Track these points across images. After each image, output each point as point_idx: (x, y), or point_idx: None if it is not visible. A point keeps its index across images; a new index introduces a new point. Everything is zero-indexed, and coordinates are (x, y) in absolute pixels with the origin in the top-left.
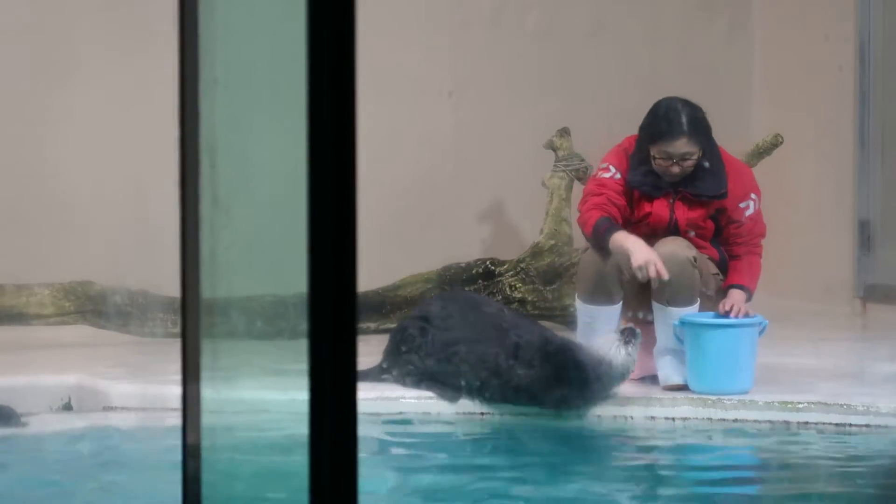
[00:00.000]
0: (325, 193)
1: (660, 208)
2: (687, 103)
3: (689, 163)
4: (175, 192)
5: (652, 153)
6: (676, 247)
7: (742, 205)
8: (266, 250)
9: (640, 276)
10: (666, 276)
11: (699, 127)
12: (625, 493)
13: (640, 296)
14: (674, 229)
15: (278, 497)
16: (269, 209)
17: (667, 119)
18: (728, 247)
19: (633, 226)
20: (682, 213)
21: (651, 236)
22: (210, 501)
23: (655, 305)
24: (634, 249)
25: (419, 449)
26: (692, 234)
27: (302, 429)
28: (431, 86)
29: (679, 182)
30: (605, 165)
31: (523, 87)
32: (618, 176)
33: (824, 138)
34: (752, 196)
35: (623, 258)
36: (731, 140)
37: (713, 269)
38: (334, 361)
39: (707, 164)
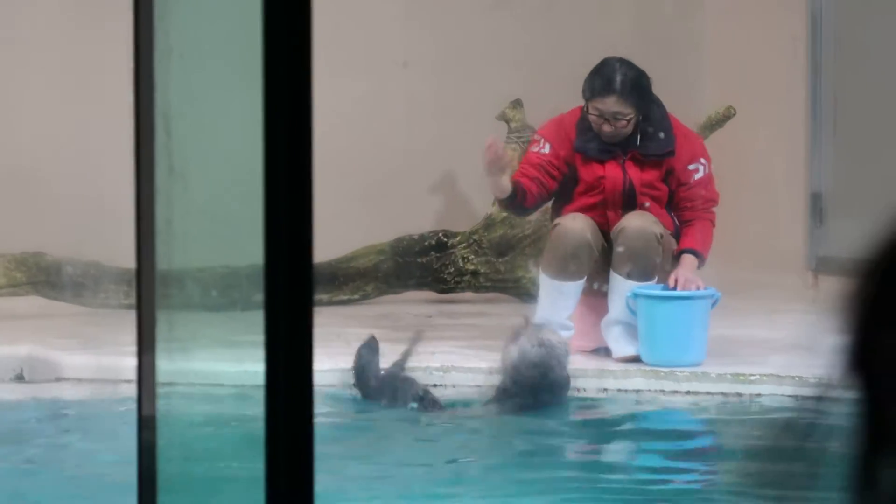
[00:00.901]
0: (281, 163)
1: (612, 171)
2: (627, 64)
3: (622, 123)
4: (129, 162)
5: (587, 110)
6: (644, 222)
7: (691, 167)
8: (222, 220)
9: (487, 160)
10: (501, 151)
11: (634, 88)
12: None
13: (602, 269)
14: (629, 191)
15: (234, 467)
16: (226, 178)
17: (602, 76)
18: (679, 212)
19: (587, 193)
20: (636, 174)
21: (610, 202)
22: (166, 472)
23: (613, 276)
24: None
25: (370, 421)
26: (647, 205)
27: (257, 400)
28: (386, 56)
29: (627, 144)
30: (536, 139)
31: (476, 59)
32: (546, 150)
33: (776, 110)
34: (702, 161)
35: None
36: (684, 112)
37: (674, 244)
38: (290, 332)
39: (651, 129)
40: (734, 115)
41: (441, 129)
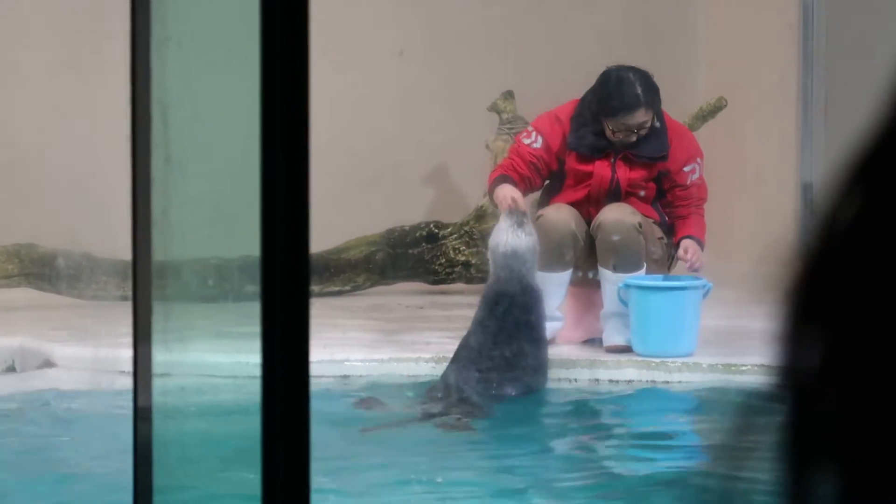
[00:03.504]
0: (279, 153)
1: (601, 168)
2: (637, 72)
3: (645, 130)
4: (125, 152)
5: (608, 126)
6: (621, 213)
7: (687, 168)
8: (219, 210)
9: (501, 209)
10: (523, 207)
11: (653, 94)
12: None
13: (590, 258)
14: (615, 190)
15: (230, 458)
16: (223, 168)
17: (622, 92)
18: (672, 209)
19: (574, 187)
20: (624, 174)
21: (594, 198)
22: (162, 463)
23: (602, 271)
24: (499, 189)
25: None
26: (642, 194)
27: (252, 391)
28: (381, 46)
29: (620, 144)
30: (529, 131)
31: (469, 50)
32: (537, 144)
33: (768, 101)
34: (697, 161)
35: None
36: (676, 103)
37: (658, 233)
38: (287, 323)
39: (648, 131)
40: (726, 105)
41: (434, 119)
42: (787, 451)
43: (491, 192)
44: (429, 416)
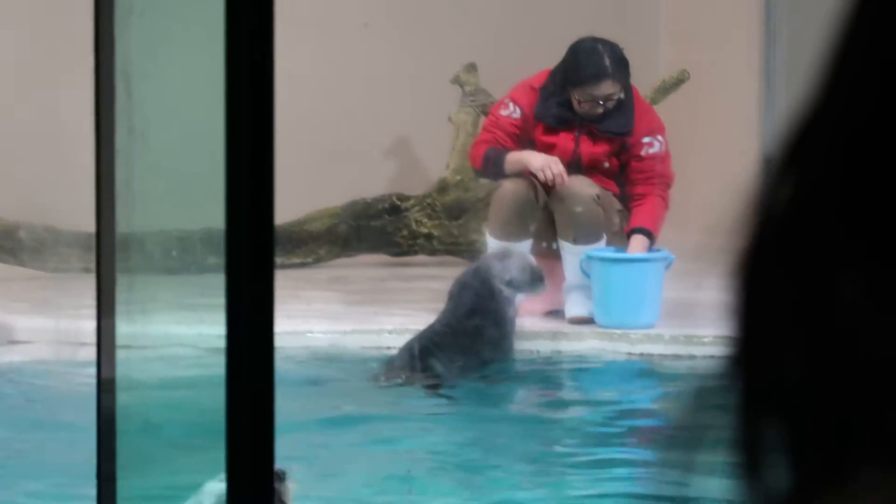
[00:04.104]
0: (244, 124)
1: (564, 141)
2: (607, 43)
3: (612, 102)
4: (89, 122)
5: (575, 96)
6: (579, 185)
7: (645, 139)
8: (183, 181)
9: (541, 177)
10: (566, 178)
11: (622, 66)
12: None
13: (549, 230)
14: (576, 164)
15: (195, 430)
16: (187, 139)
17: (590, 62)
18: (631, 186)
19: None
20: (587, 148)
21: None
22: (125, 435)
23: (562, 243)
24: (530, 156)
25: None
26: (605, 165)
27: (216, 363)
28: (345, 18)
29: (586, 116)
30: (506, 102)
31: (433, 22)
32: (516, 115)
33: (730, 73)
34: (658, 137)
35: (522, 168)
36: (638, 76)
37: (617, 205)
38: (252, 294)
39: (613, 106)
40: (688, 78)
41: (397, 91)
42: (738, 415)
43: (495, 162)
44: (393, 385)
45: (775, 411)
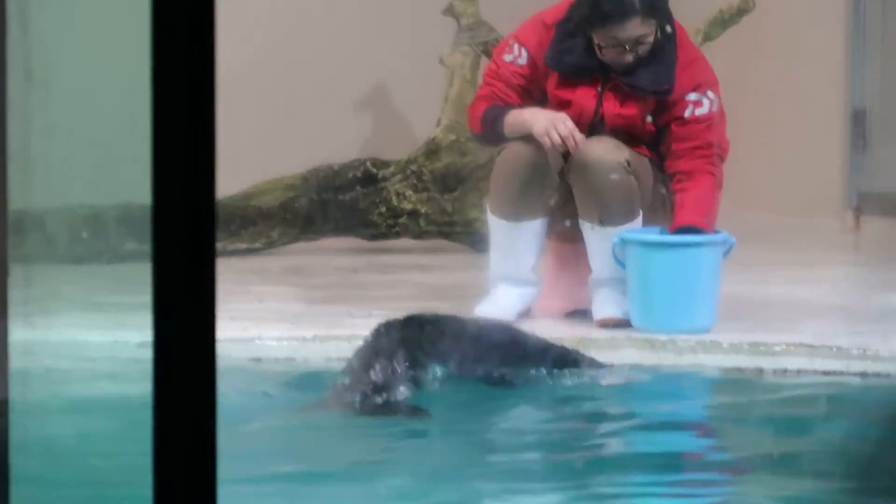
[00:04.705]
0: (177, 71)
1: (583, 97)
2: None
3: (645, 46)
4: None
5: (595, 40)
6: (603, 149)
7: (691, 96)
8: (96, 142)
9: (545, 143)
10: (579, 138)
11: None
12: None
13: (568, 205)
14: (598, 126)
15: (111, 466)
16: (101, 90)
17: None
18: (672, 160)
19: None
20: (612, 107)
21: None
22: (21, 471)
23: (584, 225)
24: (532, 116)
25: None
26: (637, 130)
27: (139, 379)
28: None
29: (611, 65)
30: (510, 44)
31: None
32: (522, 60)
33: (809, 7)
34: (709, 93)
35: (522, 131)
36: (685, 4)
37: (655, 171)
38: (187, 291)
39: (647, 53)
40: (753, 8)
41: (372, 27)
42: None
43: (493, 125)
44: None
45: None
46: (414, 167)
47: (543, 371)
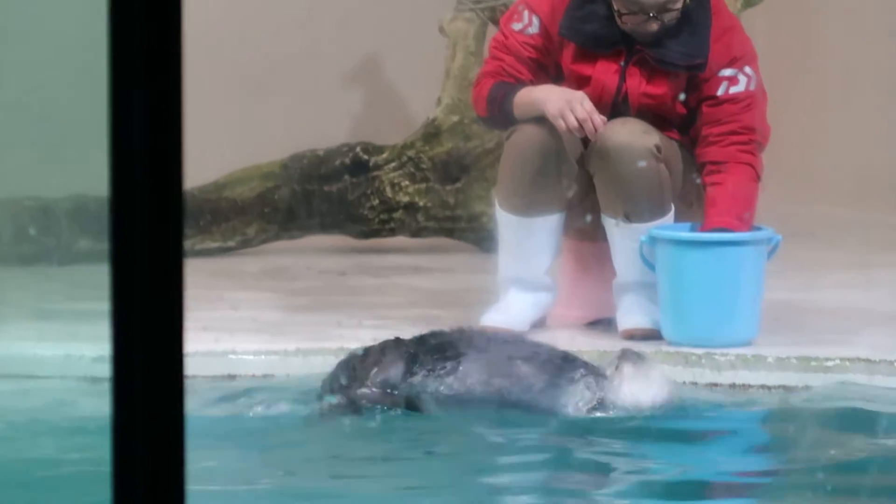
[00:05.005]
0: (136, 39)
1: (604, 73)
2: None
3: (672, 13)
4: None
5: (615, 6)
6: (628, 133)
7: (725, 72)
8: (45, 122)
9: (560, 126)
10: (599, 121)
11: None
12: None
13: (592, 196)
14: (621, 106)
15: (66, 496)
16: (53, 61)
17: None
18: (703, 146)
19: None
20: (637, 85)
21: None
22: None
23: (608, 221)
24: (545, 94)
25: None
26: (682, 98)
27: (95, 397)
28: None
29: (635, 35)
30: (520, 10)
31: None
32: (533, 29)
33: None
34: (746, 69)
35: (534, 113)
36: None
37: (688, 158)
38: (150, 296)
39: (676, 22)
40: None
41: None
42: None
43: (502, 104)
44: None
45: None
46: (411, 153)
47: (560, 394)
